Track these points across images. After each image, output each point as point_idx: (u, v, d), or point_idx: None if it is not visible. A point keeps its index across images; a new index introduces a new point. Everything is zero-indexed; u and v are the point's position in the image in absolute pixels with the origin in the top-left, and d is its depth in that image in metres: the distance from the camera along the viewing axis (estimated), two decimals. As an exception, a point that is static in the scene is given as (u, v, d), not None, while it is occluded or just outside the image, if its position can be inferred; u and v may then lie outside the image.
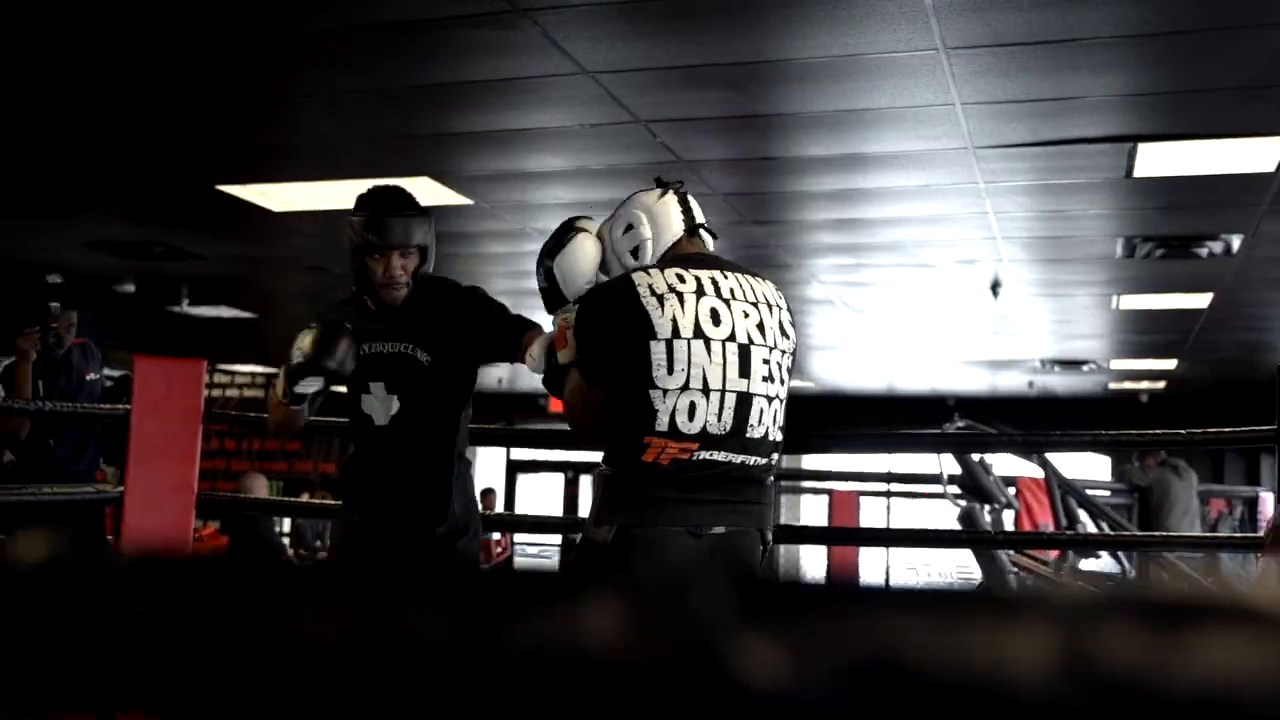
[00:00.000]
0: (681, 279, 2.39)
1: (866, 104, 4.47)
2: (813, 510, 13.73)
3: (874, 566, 9.77)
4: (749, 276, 2.48)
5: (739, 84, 4.36)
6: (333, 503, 10.43)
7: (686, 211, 2.58)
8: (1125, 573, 6.90)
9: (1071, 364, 11.70)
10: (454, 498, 2.93)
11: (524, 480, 16.42)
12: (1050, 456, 7.03)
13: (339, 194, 6.03)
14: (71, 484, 4.07)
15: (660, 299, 2.34)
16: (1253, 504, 11.14)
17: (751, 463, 2.39)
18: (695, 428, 2.32)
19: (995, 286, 7.75)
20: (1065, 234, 6.63)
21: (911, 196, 5.82)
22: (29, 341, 4.39)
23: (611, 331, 2.38)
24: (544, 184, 5.83)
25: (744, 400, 2.35)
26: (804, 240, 7.05)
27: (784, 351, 2.45)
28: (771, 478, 2.48)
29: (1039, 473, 7.56)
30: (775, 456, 2.46)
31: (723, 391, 2.33)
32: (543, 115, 4.73)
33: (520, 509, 15.74)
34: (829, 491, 11.78)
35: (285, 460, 15.97)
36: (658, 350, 2.32)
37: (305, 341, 2.90)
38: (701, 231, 2.59)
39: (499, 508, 13.01)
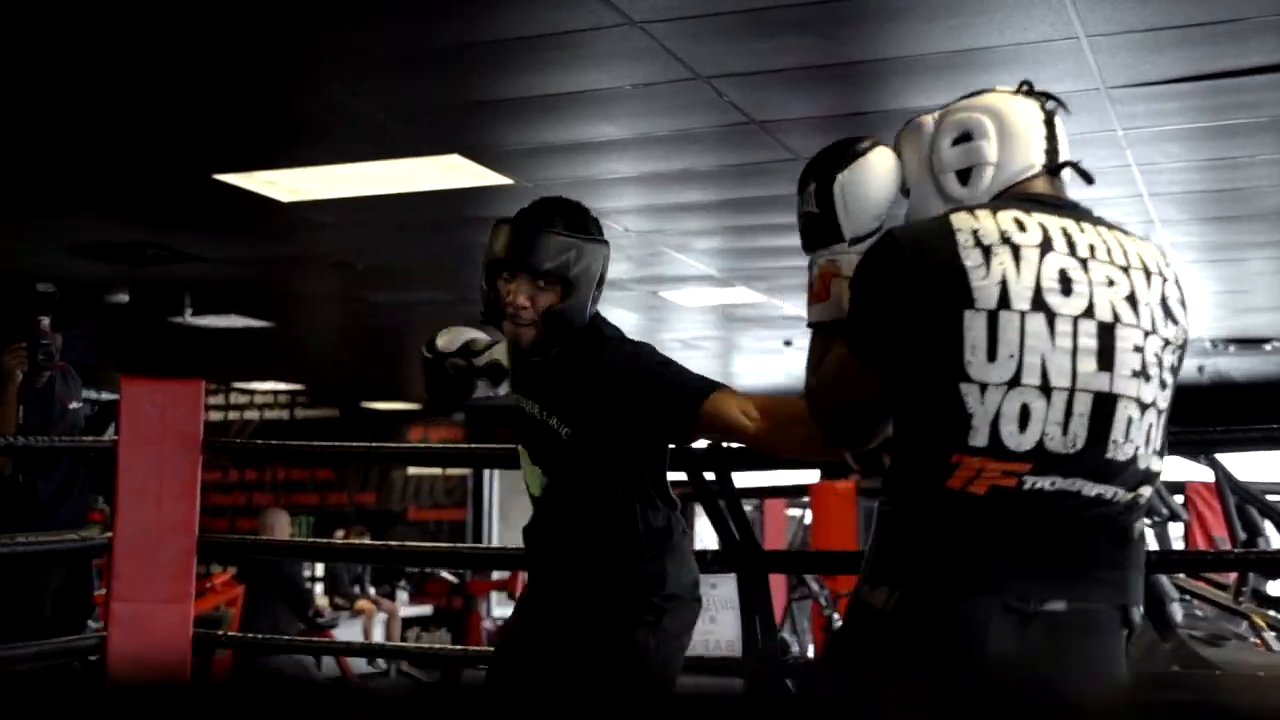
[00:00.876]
0: (1021, 225, 1.95)
1: (972, 43, 4.43)
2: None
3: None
4: (1119, 233, 2.05)
5: (816, 26, 4.34)
6: (371, 543, 10.57)
7: (1051, 138, 2.14)
8: (1321, 596, 6.72)
9: (1250, 343, 11.45)
10: (631, 583, 2.71)
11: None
12: (1224, 456, 6.88)
13: (360, 178, 6.13)
14: (54, 531, 4.18)
15: (987, 252, 1.90)
16: None
17: (1111, 497, 1.94)
18: (1028, 442, 1.87)
19: (1148, 254, 7.61)
20: (1230, 186, 6.49)
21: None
22: (15, 359, 4.42)
23: (909, 292, 1.92)
24: (597, 156, 5.87)
25: (1104, 403, 1.91)
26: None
27: (1167, 341, 2.00)
28: (1143, 524, 2.05)
29: (1210, 475, 7.41)
30: (1146, 491, 2.00)
31: (1071, 391, 1.89)
32: (586, 76, 4.76)
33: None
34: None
35: (316, 492, 16.25)
36: (975, 325, 1.87)
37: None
38: (1064, 174, 2.15)
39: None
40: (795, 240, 7.82)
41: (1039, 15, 4.16)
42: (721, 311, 10.11)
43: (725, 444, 3.65)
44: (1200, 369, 13.06)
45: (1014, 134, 2.10)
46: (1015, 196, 2.07)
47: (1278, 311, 10.30)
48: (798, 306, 9.78)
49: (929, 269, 1.92)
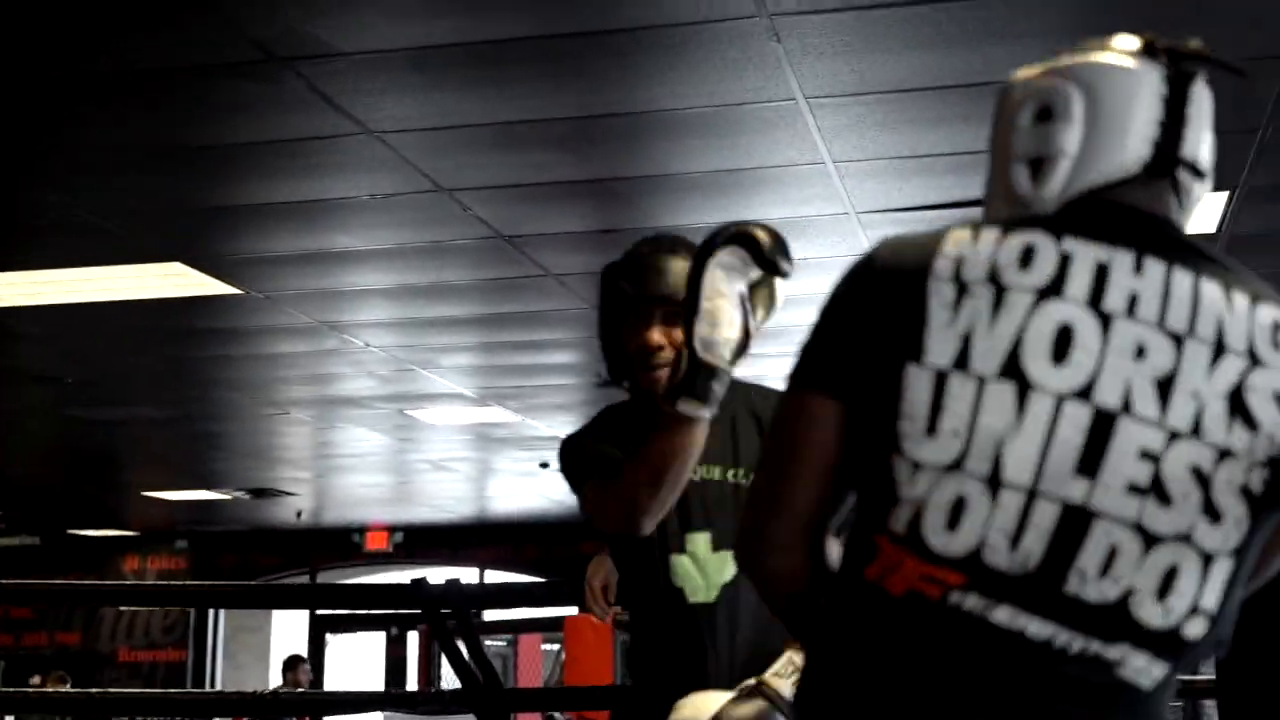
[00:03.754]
0: (1027, 258, 1.50)
1: (720, 164, 4.72)
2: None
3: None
4: (1224, 284, 1.50)
5: (564, 143, 4.57)
6: (72, 690, 10.06)
7: (1172, 124, 1.54)
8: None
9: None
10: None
11: (334, 643, 16.29)
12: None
13: (72, 284, 6.07)
14: None
15: (962, 290, 1.50)
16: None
17: (1076, 650, 1.46)
18: (958, 546, 1.45)
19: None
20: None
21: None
22: None
23: (863, 323, 1.56)
24: (338, 266, 5.97)
25: (1074, 519, 1.44)
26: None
27: (1226, 452, 1.45)
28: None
29: None
30: (1144, 663, 1.47)
31: (1032, 493, 1.45)
32: (321, 184, 4.89)
33: (331, 681, 15.64)
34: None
35: (10, 632, 15.56)
36: (918, 385, 1.48)
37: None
38: (1180, 175, 1.55)
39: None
40: (551, 358, 8.03)
41: (784, 140, 4.48)
42: (475, 431, 10.22)
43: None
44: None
45: (1109, 116, 1.54)
46: (1088, 207, 1.55)
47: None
48: (552, 427, 9.97)
49: (889, 300, 1.54)
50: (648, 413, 2.43)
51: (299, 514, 14.48)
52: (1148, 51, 1.56)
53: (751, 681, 2.23)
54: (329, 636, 16.08)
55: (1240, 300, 1.48)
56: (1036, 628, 1.45)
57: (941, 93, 4.21)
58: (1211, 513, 1.45)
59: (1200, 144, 1.55)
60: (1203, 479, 1.44)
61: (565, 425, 9.94)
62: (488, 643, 12.08)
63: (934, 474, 1.46)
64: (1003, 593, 1.45)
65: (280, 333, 7.11)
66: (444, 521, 15.50)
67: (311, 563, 16.15)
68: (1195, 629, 1.46)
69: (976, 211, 5.10)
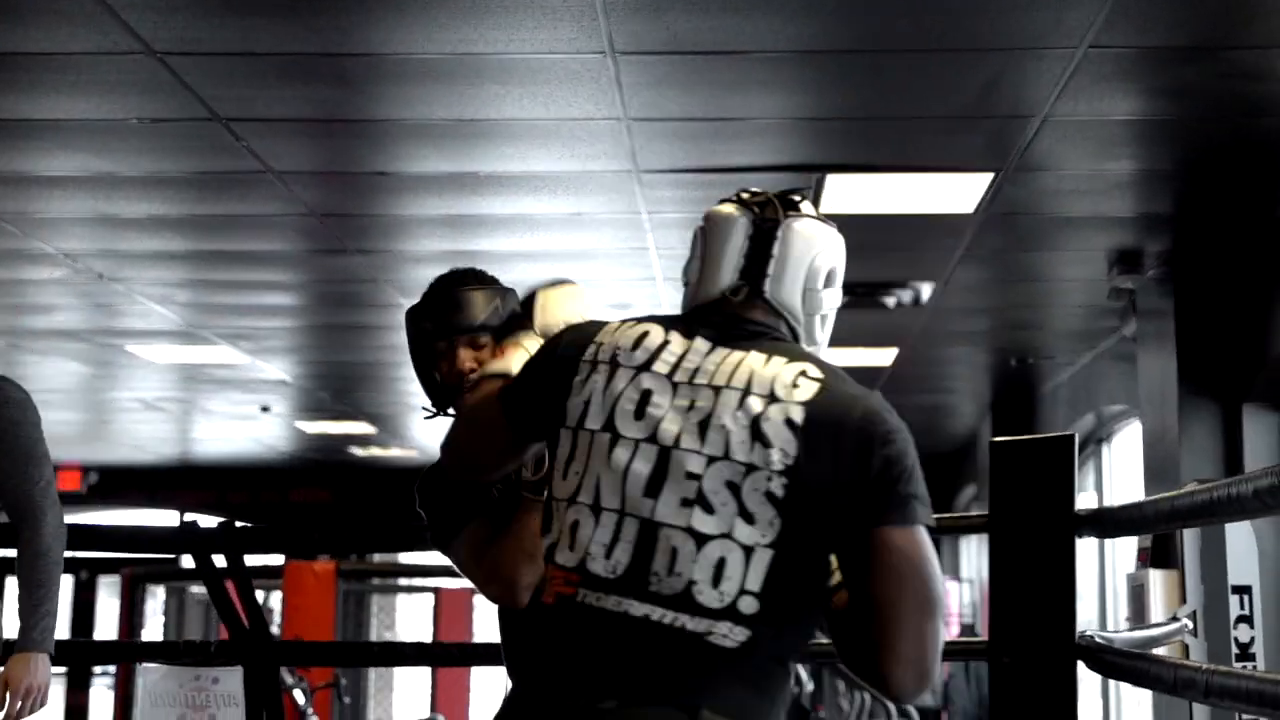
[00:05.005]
0: (639, 343, 2.09)
1: (512, 113, 4.63)
2: (415, 616, 13.73)
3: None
4: (765, 356, 2.07)
5: (318, 77, 4.43)
6: None
7: (756, 254, 2.14)
8: (803, 685, 7.41)
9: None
10: None
11: (13, 585, 15.45)
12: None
13: None
14: None
15: (593, 367, 2.10)
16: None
17: (670, 621, 1.97)
18: (574, 559, 2.03)
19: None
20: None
21: (558, 226, 6.04)
22: None
23: (541, 389, 2.17)
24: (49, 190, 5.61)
25: (648, 530, 1.99)
26: (414, 274, 7.13)
27: (751, 467, 1.98)
28: (742, 653, 1.98)
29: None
30: (728, 628, 1.96)
31: (621, 514, 2.01)
32: (90, 104, 4.58)
33: (9, 624, 14.81)
34: (435, 589, 11.83)
35: None
36: (564, 441, 2.10)
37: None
38: (767, 292, 2.15)
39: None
40: (274, 298, 7.64)
41: (586, 94, 4.42)
42: (187, 371, 9.83)
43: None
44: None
45: (712, 252, 2.16)
46: (700, 313, 2.16)
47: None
48: (281, 369, 9.68)
49: (558, 375, 2.14)
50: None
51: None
52: (742, 204, 2.17)
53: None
54: (9, 579, 15.29)
55: (777, 362, 2.05)
56: (636, 609, 1.98)
57: (743, 57, 4.22)
58: (745, 515, 1.96)
59: (784, 272, 2.13)
60: (735, 489, 1.97)
61: (289, 366, 9.67)
62: (193, 590, 11.66)
63: (564, 506, 2.05)
64: (608, 589, 1.99)
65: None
66: (144, 463, 14.89)
67: (-7, 501, 15.27)
68: (748, 606, 1.96)
69: (752, 176, 5.16)
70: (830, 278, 2.18)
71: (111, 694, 11.09)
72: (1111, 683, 8.01)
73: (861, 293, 7.06)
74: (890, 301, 7.15)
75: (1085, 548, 8.04)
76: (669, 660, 1.97)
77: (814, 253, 2.16)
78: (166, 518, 15.54)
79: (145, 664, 4.28)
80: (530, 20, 3.90)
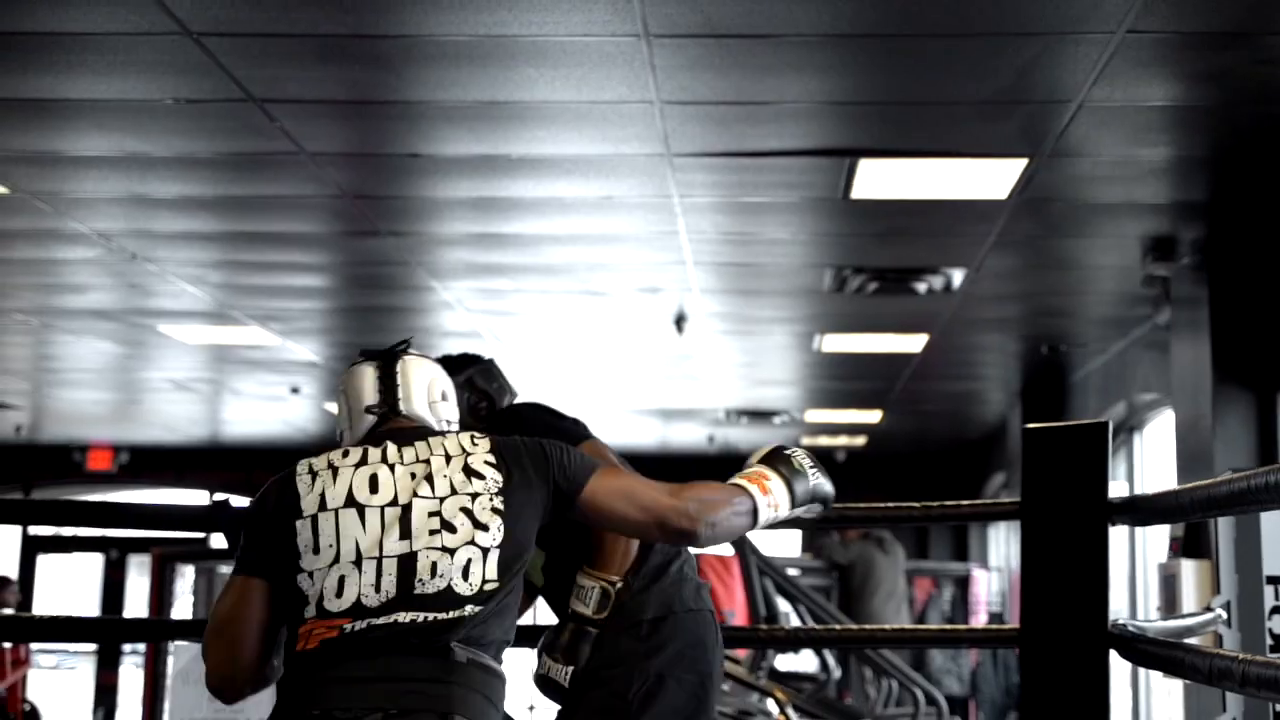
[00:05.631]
0: (347, 453, 2.77)
1: (545, 96, 4.62)
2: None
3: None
4: (437, 438, 2.80)
5: (375, 60, 4.44)
6: None
7: (387, 387, 2.89)
8: (830, 673, 7.38)
9: (761, 415, 12.39)
10: None
11: (46, 563, 15.57)
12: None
13: None
14: None
15: (314, 475, 2.72)
16: (964, 583, 12.17)
17: (427, 621, 2.62)
18: (345, 603, 2.63)
19: (680, 320, 8.12)
20: (767, 260, 7.06)
21: (589, 209, 6.03)
22: None
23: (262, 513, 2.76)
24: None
25: (407, 560, 2.65)
26: (445, 257, 7.14)
27: (475, 494, 2.70)
28: (472, 650, 2.65)
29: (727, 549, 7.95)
30: (470, 609, 2.63)
31: (380, 558, 2.65)
32: (125, 84, 4.59)
33: (42, 602, 14.95)
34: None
35: None
36: (304, 530, 2.68)
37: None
38: (402, 409, 2.87)
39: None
40: (306, 280, 7.64)
41: (619, 77, 4.41)
42: (218, 352, 9.86)
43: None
44: (710, 439, 13.99)
45: (352, 406, 2.89)
46: (373, 433, 2.84)
47: (790, 386, 11.23)
48: (311, 351, 9.70)
49: (279, 496, 2.73)
50: None
51: (18, 429, 13.75)
52: (368, 355, 2.90)
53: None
54: (40, 557, 15.39)
55: (464, 435, 2.80)
56: (403, 616, 2.60)
57: (779, 40, 4.21)
58: (481, 526, 2.66)
59: (414, 396, 2.86)
60: (467, 511, 2.67)
61: (320, 348, 9.70)
62: (222, 569, 11.71)
63: (323, 572, 2.62)
64: (376, 613, 2.59)
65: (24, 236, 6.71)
66: (174, 443, 14.95)
67: (25, 480, 15.37)
68: (491, 588, 2.65)
69: (785, 161, 5.13)
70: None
71: (141, 672, 11.13)
72: (1141, 674, 7.99)
73: (892, 279, 7.04)
74: (920, 288, 7.12)
75: (1116, 538, 8.01)
76: (424, 669, 2.61)
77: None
78: (195, 498, 15.61)
79: (176, 643, 4.29)
80: (565, 3, 3.90)
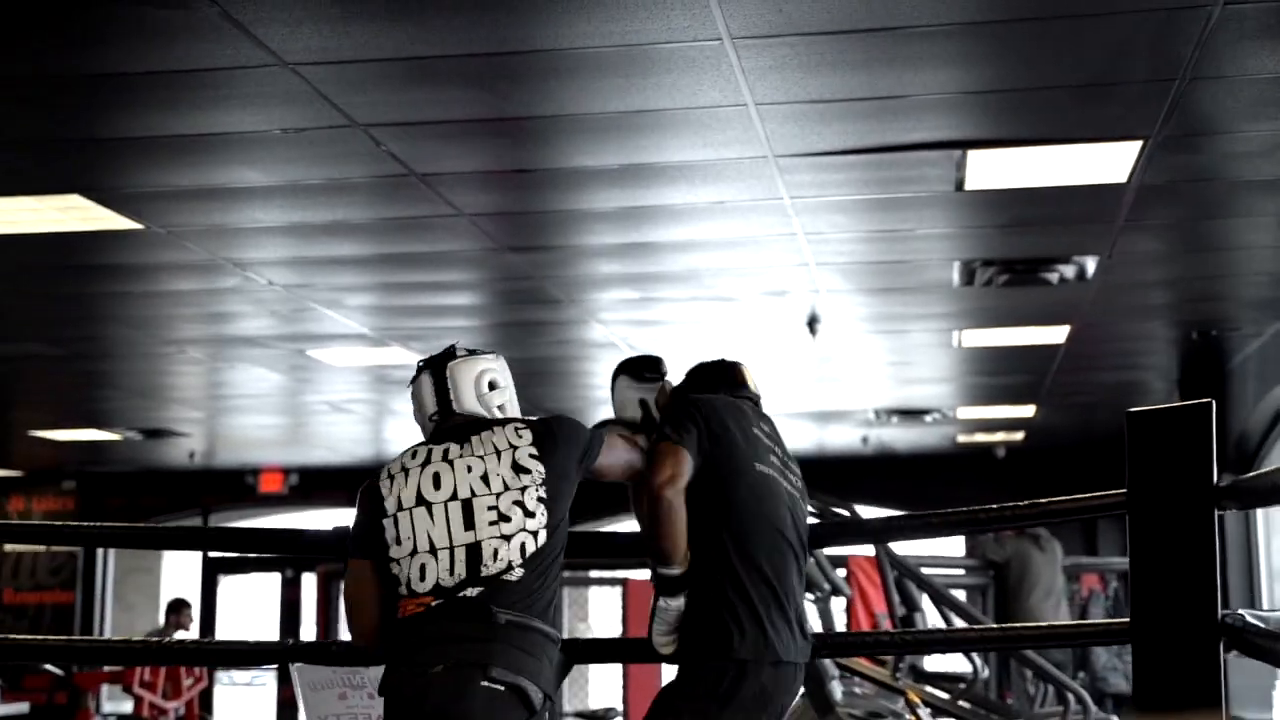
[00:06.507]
0: (414, 454, 3.45)
1: (641, 104, 4.64)
2: (605, 608, 13.84)
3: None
4: (489, 431, 3.45)
5: (481, 80, 4.47)
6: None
7: (440, 393, 3.51)
8: (979, 673, 7.24)
9: (912, 414, 12.23)
10: None
11: (228, 584, 16.06)
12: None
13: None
14: None
15: (391, 478, 3.44)
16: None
17: (476, 594, 3.31)
18: (427, 585, 3.35)
19: (812, 323, 8.07)
20: (891, 258, 6.98)
21: (700, 216, 6.04)
22: None
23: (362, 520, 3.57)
24: (239, 202, 5.81)
25: (474, 549, 3.34)
26: (577, 271, 7.21)
27: (525, 487, 3.38)
28: (511, 613, 3.32)
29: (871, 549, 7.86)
30: (514, 575, 3.35)
31: (451, 548, 3.34)
32: (228, 117, 4.73)
33: (223, 625, 15.43)
34: (624, 581, 11.94)
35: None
36: (389, 526, 3.40)
37: None
38: (460, 410, 3.51)
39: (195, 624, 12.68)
40: (453, 299, 7.83)
41: (708, 81, 4.41)
42: (374, 373, 10.08)
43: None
44: (864, 440, 13.85)
45: (418, 413, 3.59)
46: (437, 430, 3.51)
47: (938, 383, 11.07)
48: (455, 369, 9.82)
49: (370, 498, 3.49)
50: None
51: (192, 455, 14.22)
52: (424, 365, 3.58)
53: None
54: (221, 578, 15.89)
55: (509, 428, 3.46)
56: (470, 591, 3.31)
57: (865, 36, 4.16)
58: (529, 514, 3.36)
59: (464, 395, 3.51)
60: (519, 503, 3.36)
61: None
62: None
63: (407, 560, 3.36)
64: (453, 590, 3.32)
65: (178, 269, 6.92)
66: (340, 464, 15.32)
67: (203, 504, 15.90)
68: (536, 561, 3.35)
69: (892, 156, 5.08)
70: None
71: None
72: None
73: (1021, 270, 6.91)
74: (1053, 277, 6.97)
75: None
76: (470, 630, 3.28)
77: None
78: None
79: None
80: (642, 10, 3.91)
